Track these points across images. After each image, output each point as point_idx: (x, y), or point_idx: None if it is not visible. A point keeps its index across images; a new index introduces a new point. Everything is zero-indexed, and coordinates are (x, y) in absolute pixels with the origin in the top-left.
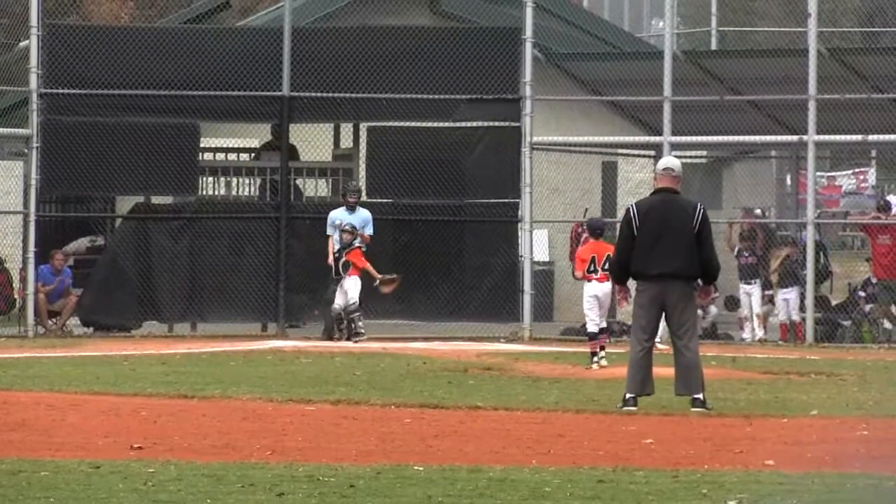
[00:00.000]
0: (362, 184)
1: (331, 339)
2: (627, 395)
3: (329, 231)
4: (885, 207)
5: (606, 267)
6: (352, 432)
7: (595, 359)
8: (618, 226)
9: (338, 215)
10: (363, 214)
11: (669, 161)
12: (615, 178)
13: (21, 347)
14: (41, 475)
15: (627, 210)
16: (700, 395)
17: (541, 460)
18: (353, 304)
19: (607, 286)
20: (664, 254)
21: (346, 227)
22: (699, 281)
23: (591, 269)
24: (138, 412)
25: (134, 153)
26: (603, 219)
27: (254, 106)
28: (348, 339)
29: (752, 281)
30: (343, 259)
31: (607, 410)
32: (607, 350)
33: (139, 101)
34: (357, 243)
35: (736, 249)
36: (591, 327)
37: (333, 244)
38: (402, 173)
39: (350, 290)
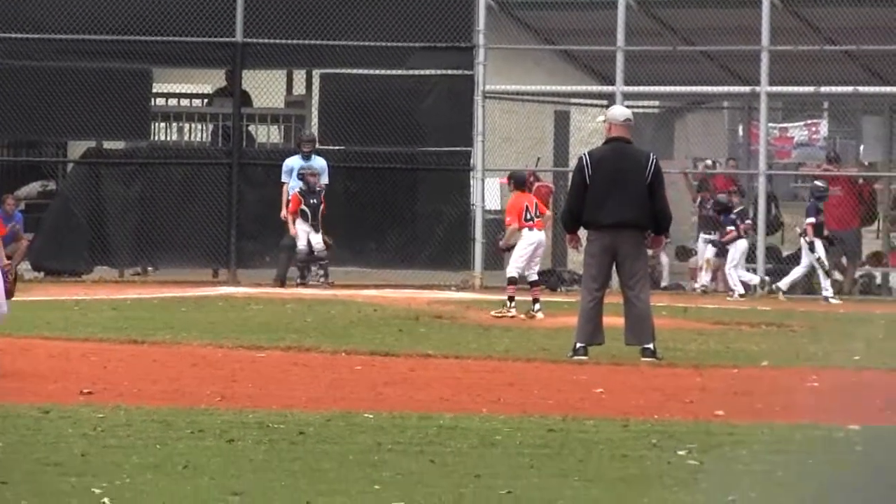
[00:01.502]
0: (315, 131)
1: (283, 285)
2: (577, 345)
3: (284, 178)
4: (835, 159)
5: (538, 214)
6: (302, 379)
7: (511, 304)
8: (570, 175)
9: (293, 163)
10: (319, 162)
11: (620, 110)
12: (568, 128)
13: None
14: None
15: (580, 159)
16: (650, 345)
17: (491, 408)
18: (324, 250)
19: (542, 234)
20: (616, 203)
21: (307, 171)
22: (650, 231)
23: (528, 217)
24: (88, 357)
25: (86, 98)
26: (524, 170)
27: (206, 52)
28: (317, 281)
29: (711, 232)
30: (321, 206)
31: (558, 359)
32: (552, 299)
33: (91, 46)
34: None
35: (698, 200)
36: (512, 272)
37: (288, 191)
38: (355, 121)
39: (313, 236)
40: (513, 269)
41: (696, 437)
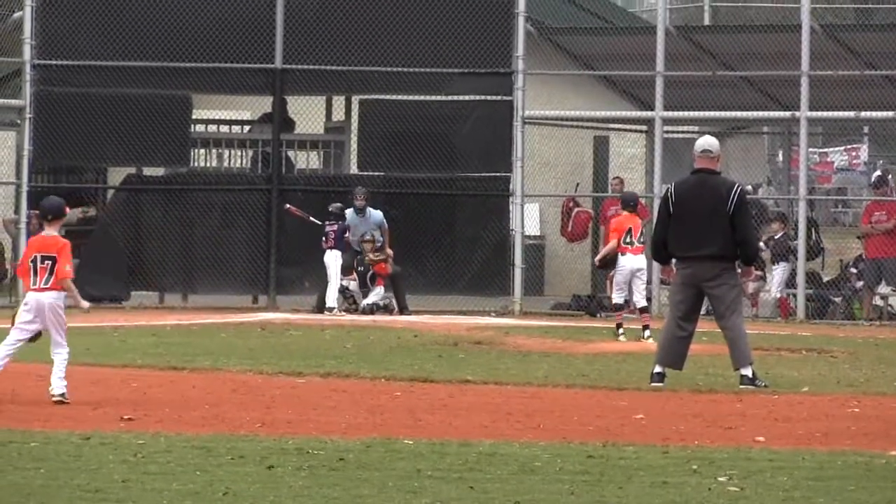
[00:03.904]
0: (353, 156)
1: (321, 311)
2: (655, 370)
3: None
4: (881, 184)
5: (643, 240)
6: (341, 405)
7: (620, 331)
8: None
9: (350, 219)
10: (375, 217)
11: (706, 141)
12: (607, 153)
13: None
14: (31, 446)
15: (666, 190)
16: (748, 372)
17: (530, 435)
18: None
19: (642, 260)
20: (698, 236)
21: (368, 238)
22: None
23: (628, 240)
24: (128, 383)
25: (126, 124)
26: (636, 193)
27: (246, 78)
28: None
29: None
30: (371, 273)
31: (597, 385)
32: (592, 324)
33: (132, 73)
34: (377, 255)
35: None
36: (617, 298)
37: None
38: (394, 146)
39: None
40: (616, 296)
41: (737, 463)
